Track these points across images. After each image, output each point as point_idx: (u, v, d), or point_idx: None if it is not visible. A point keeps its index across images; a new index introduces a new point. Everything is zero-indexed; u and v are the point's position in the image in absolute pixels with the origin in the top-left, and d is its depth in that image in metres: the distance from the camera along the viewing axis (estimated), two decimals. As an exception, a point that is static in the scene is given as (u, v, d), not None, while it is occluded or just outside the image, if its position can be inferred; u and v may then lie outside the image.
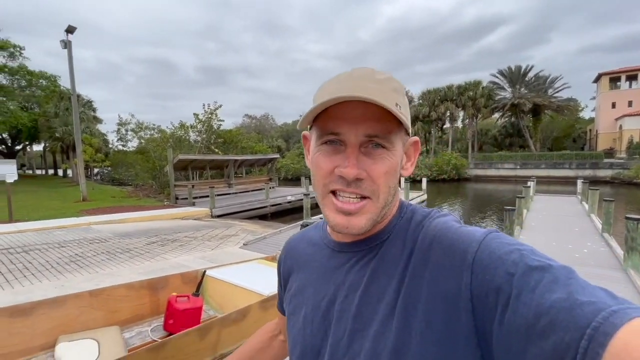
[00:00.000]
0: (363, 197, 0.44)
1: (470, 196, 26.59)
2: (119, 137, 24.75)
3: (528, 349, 0.30)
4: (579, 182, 14.69)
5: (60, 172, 37.60)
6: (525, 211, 10.23)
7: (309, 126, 0.51)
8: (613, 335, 0.27)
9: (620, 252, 5.69)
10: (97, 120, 33.16)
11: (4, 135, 32.88)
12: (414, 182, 19.37)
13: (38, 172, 45.64)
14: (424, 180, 16.96)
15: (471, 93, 39.16)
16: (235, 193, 16.76)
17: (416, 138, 0.51)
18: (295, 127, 54.81)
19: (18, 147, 35.84)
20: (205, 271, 2.35)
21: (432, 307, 0.39)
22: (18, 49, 23.33)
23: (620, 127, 34.75)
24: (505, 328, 0.33)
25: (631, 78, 36.25)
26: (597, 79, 39.36)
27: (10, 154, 32.94)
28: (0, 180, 9.03)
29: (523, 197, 8.79)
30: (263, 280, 2.61)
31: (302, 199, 15.15)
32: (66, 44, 14.76)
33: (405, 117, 0.45)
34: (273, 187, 18.89)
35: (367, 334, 0.43)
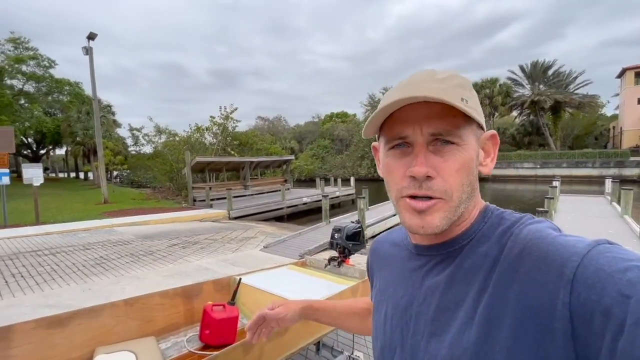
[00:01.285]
0: (435, 198, 0.43)
1: (489, 197, 25.94)
2: (134, 142, 25.28)
3: None
4: (608, 181, 14.04)
5: (82, 175, 38.76)
6: (553, 212, 9.82)
7: (376, 136, 0.51)
8: None
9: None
10: (117, 124, 34.02)
11: (30, 140, 34.14)
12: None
13: (61, 175, 47.24)
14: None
15: (487, 91, 38.29)
16: (252, 195, 16.81)
17: (493, 132, 0.49)
18: (308, 129, 54.94)
19: (42, 152, 37.15)
20: (240, 279, 2.25)
21: (520, 323, 0.35)
22: (49, 61, 24.10)
23: (647, 123, 33.29)
24: (617, 358, 0.29)
25: (658, 72, 34.68)
26: (621, 74, 37.82)
27: (35, 158, 34.19)
28: (28, 184, 9.28)
29: (552, 198, 8.41)
30: (295, 286, 2.51)
31: (318, 200, 15.08)
32: (88, 50, 15.14)
33: (476, 110, 0.44)
34: (288, 189, 18.87)
35: (443, 340, 0.42)
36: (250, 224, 11.18)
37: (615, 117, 42.85)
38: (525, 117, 41.47)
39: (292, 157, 20.44)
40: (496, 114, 39.67)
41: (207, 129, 19.65)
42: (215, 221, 11.37)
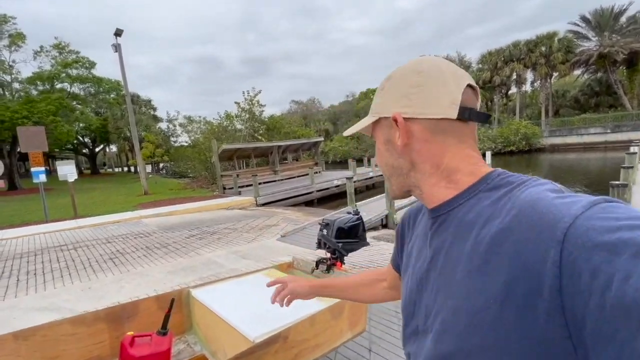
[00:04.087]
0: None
1: (546, 169, 23.08)
2: (169, 133, 26.15)
3: (624, 338, 0.29)
4: None
5: (132, 169, 41.76)
6: (631, 185, 8.04)
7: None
8: None
9: None
10: (157, 119, 35.68)
11: (87, 140, 37.31)
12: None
13: (117, 170, 51.51)
14: (488, 153, 14.83)
15: (544, 48, 33.62)
16: (282, 180, 16.50)
17: (393, 115, 0.53)
18: (343, 109, 53.55)
19: (97, 149, 40.51)
20: (173, 300, 1.64)
21: (514, 279, 0.37)
22: (89, 63, 25.65)
23: None
24: (600, 313, 0.31)
25: None
26: None
27: (91, 155, 37.37)
28: (64, 180, 9.70)
29: (630, 167, 6.79)
30: (261, 305, 1.84)
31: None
32: (116, 47, 15.48)
33: (382, 104, 0.56)
34: (319, 172, 18.27)
35: (449, 294, 0.46)
36: (276, 210, 10.80)
37: None
38: (591, 75, 36.00)
39: (321, 138, 19.67)
40: (554, 74, 34.85)
41: (236, 117, 19.57)
42: (243, 209, 11.16)
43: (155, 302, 1.94)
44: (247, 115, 18.57)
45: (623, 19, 31.51)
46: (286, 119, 22.77)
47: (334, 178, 15.17)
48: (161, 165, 40.68)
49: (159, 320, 1.68)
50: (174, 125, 24.02)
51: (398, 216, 7.59)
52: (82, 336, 1.68)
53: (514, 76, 36.20)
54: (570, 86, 40.85)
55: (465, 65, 42.51)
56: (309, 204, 13.29)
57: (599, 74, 34.85)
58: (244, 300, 1.91)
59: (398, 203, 7.85)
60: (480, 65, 38.26)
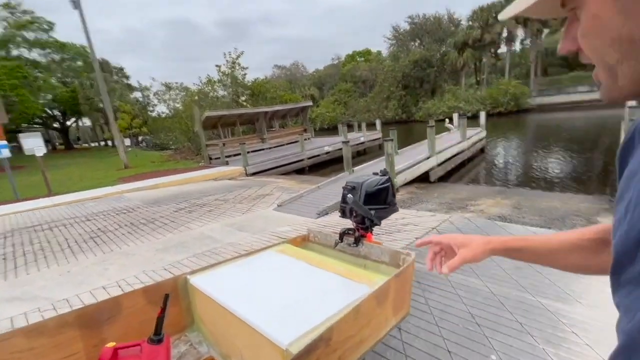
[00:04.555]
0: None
1: (533, 129, 23.12)
2: (145, 102, 24.48)
3: None
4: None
5: (110, 143, 39.71)
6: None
7: None
8: None
9: None
10: (131, 87, 33.37)
11: (56, 113, 34.72)
12: (470, 119, 16.83)
13: (94, 145, 48.94)
14: (482, 114, 14.48)
15: (535, 3, 32.44)
16: (270, 148, 15.84)
17: None
18: (328, 72, 51.42)
19: (69, 122, 37.96)
20: (167, 297, 1.20)
21: None
22: (48, 24, 23.02)
23: None
24: None
25: None
26: None
27: (63, 130, 35.07)
28: (31, 154, 8.81)
29: (633, 120, 6.49)
30: (280, 290, 1.45)
31: (341, 149, 13.83)
32: (75, 3, 13.74)
33: None
34: (308, 139, 17.64)
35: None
36: (268, 179, 10.31)
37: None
38: (579, 31, 35.33)
39: (310, 102, 18.77)
40: (545, 30, 34.01)
41: (218, 82, 18.29)
42: (232, 179, 10.61)
43: (142, 296, 1.49)
44: (230, 80, 17.34)
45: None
46: (271, 83, 21.50)
47: (325, 144, 14.62)
48: (140, 138, 38.85)
49: (150, 320, 1.24)
50: (149, 94, 22.37)
51: (399, 180, 7.25)
52: (43, 351, 1.24)
53: (505, 33, 35.16)
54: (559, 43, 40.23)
55: (455, 23, 40.95)
56: (300, 171, 12.83)
57: (588, 30, 34.23)
58: (256, 286, 1.48)
59: (398, 166, 7.47)
60: (470, 23, 36.84)
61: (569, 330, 2.06)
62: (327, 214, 5.47)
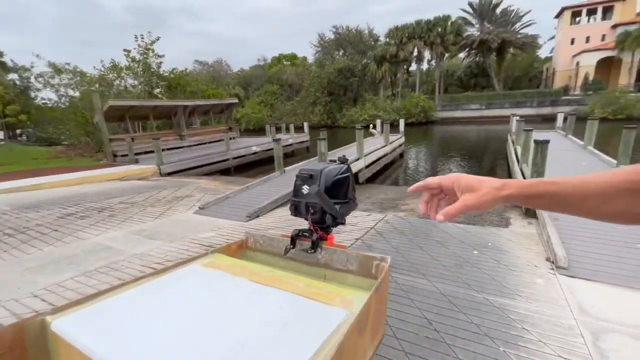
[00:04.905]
0: None
1: (437, 138, 26.19)
2: (23, 85, 19.97)
3: None
4: (560, 115, 14.21)
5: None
6: (519, 148, 9.32)
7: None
8: None
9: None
10: (6, 67, 26.99)
11: None
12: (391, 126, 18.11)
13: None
14: (402, 122, 15.66)
15: (440, 29, 37.08)
16: (190, 146, 14.34)
17: None
18: (254, 73, 50.04)
19: None
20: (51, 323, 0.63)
21: None
22: None
23: (577, 64, 35.24)
24: None
25: (591, 12, 36.05)
26: (559, 14, 38.81)
27: None
28: None
29: (530, 130, 7.61)
30: (203, 327, 0.94)
31: (270, 149, 13.28)
32: None
33: None
34: (234, 138, 16.59)
35: None
36: (187, 179, 9.19)
37: (548, 59, 45.08)
38: (472, 59, 41.69)
39: (236, 99, 17.67)
40: (447, 55, 39.09)
41: (127, 68, 15.83)
42: (142, 179, 9.15)
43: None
44: (141, 68, 15.18)
45: (498, 10, 36.84)
46: (192, 76, 19.64)
47: (252, 144, 13.89)
48: (19, 130, 31.80)
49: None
50: (30, 76, 18.18)
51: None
52: None
53: (415, 52, 39.24)
54: (456, 67, 46.75)
55: (374, 38, 44.18)
56: (224, 172, 11.86)
57: (477, 59, 40.62)
58: (173, 322, 0.96)
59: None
60: (387, 40, 40.14)
61: (520, 327, 2.02)
62: (258, 216, 4.96)
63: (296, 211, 1.48)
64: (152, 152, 11.14)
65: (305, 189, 1.39)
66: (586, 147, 8.95)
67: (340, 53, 44.98)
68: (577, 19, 37.02)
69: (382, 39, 42.21)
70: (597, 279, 2.63)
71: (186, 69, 18.89)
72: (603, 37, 34.62)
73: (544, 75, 44.40)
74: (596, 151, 8.34)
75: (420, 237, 3.77)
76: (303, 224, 1.51)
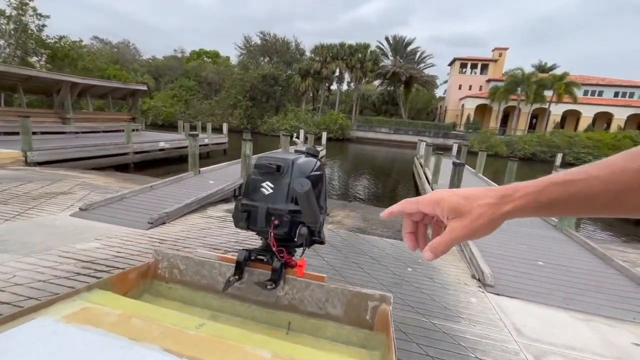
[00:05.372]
0: None
1: (352, 155, 27.90)
2: None
3: None
4: (455, 145, 16.54)
5: None
6: (427, 170, 10.32)
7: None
8: None
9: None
10: None
11: None
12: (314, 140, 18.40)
13: None
14: (324, 135, 16.00)
15: (360, 55, 40.07)
16: (77, 133, 11.71)
17: None
18: (168, 64, 45.29)
19: None
20: None
21: None
22: None
23: (462, 105, 42.43)
24: None
25: (474, 66, 44.20)
26: (452, 62, 46.41)
27: None
28: None
29: (441, 153, 8.42)
30: None
31: (182, 147, 11.85)
32: None
33: None
34: (137, 130, 14.30)
35: None
36: (68, 172, 7.31)
37: (442, 98, 53.28)
38: (384, 87, 46.28)
39: (144, 86, 15.28)
40: (364, 79, 42.39)
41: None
42: (-4, 167, 6.89)
43: None
44: (13, 26, 11.83)
45: (409, 49, 42.00)
46: (88, 49, 16.35)
47: (160, 139, 12.13)
48: None
49: None
50: None
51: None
52: None
53: (337, 72, 41.48)
54: (372, 92, 51.25)
55: (300, 52, 45.14)
56: (122, 168, 9.95)
57: (389, 88, 45.35)
58: None
59: (254, 172, 6.76)
60: (312, 55, 41.44)
61: (473, 356, 1.88)
62: (164, 223, 4.05)
63: (248, 221, 0.98)
64: (17, 133, 8.59)
65: (268, 187, 0.92)
66: (477, 174, 10.46)
67: (266, 60, 44.49)
68: (464, 69, 44.73)
69: (307, 54, 43.44)
70: (519, 296, 2.76)
71: (80, 40, 15.64)
72: (480, 87, 42.54)
73: (439, 111, 52.09)
74: (484, 177, 9.79)
75: (354, 252, 3.54)
76: (244, 239, 1.03)
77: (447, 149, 22.73)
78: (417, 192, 10.09)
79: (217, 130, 18.71)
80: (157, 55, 51.37)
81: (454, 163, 5.15)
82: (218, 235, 3.73)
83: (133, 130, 12.22)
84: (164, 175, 8.81)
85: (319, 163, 1.08)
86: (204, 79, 40.28)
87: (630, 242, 6.81)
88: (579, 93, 31.89)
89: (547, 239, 4.59)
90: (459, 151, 15.22)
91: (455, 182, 5.07)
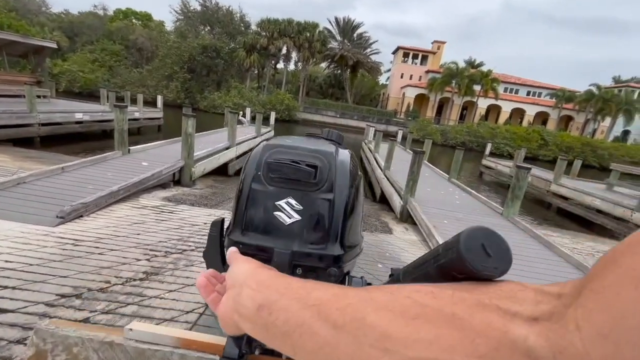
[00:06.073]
0: None
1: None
2: None
3: None
4: (400, 132, 17.12)
5: None
6: (377, 155, 10.41)
7: None
8: None
9: (489, 200, 6.03)
10: None
11: None
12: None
13: None
14: (272, 114, 15.22)
15: (308, 34, 38.97)
16: (-46, 96, 9.20)
17: None
18: (86, 21, 38.69)
19: None
20: None
21: None
22: None
23: (403, 94, 44.44)
24: None
25: (415, 57, 46.24)
26: (396, 51, 47.92)
27: None
28: None
29: (394, 140, 8.46)
30: None
31: (105, 121, 10.22)
32: None
33: None
34: (46, 97, 11.86)
35: None
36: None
37: (385, 86, 55.10)
38: (332, 70, 46.06)
39: (53, 43, 12.46)
40: (312, 60, 41.55)
41: None
42: None
43: None
44: None
45: (357, 32, 42.09)
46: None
47: (76, 109, 10.20)
48: None
49: None
50: None
51: (197, 170, 5.73)
52: None
53: (284, 50, 39.92)
54: (319, 74, 50.66)
55: (245, 24, 42.21)
56: (22, 142, 8.11)
57: (336, 71, 45.28)
58: None
59: (198, 153, 5.91)
60: (259, 30, 39.09)
61: None
62: (81, 216, 3.21)
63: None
64: None
65: (291, 210, 0.47)
66: (424, 161, 10.89)
67: (207, 29, 40.73)
68: (406, 59, 46.53)
69: (253, 27, 40.84)
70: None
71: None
72: (420, 78, 44.82)
73: (381, 98, 53.88)
74: (430, 165, 10.22)
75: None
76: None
77: (390, 136, 23.54)
78: (367, 176, 10.12)
79: (150, 103, 16.61)
80: (71, 9, 43.54)
81: (414, 151, 5.09)
82: (156, 232, 3.07)
83: (39, 96, 10.07)
84: (82, 154, 7.42)
85: (349, 154, 0.66)
86: (133, 44, 35.49)
87: (549, 226, 7.70)
88: (500, 89, 35.61)
89: (495, 227, 4.81)
90: (404, 138, 15.78)
91: (415, 169, 5.02)
